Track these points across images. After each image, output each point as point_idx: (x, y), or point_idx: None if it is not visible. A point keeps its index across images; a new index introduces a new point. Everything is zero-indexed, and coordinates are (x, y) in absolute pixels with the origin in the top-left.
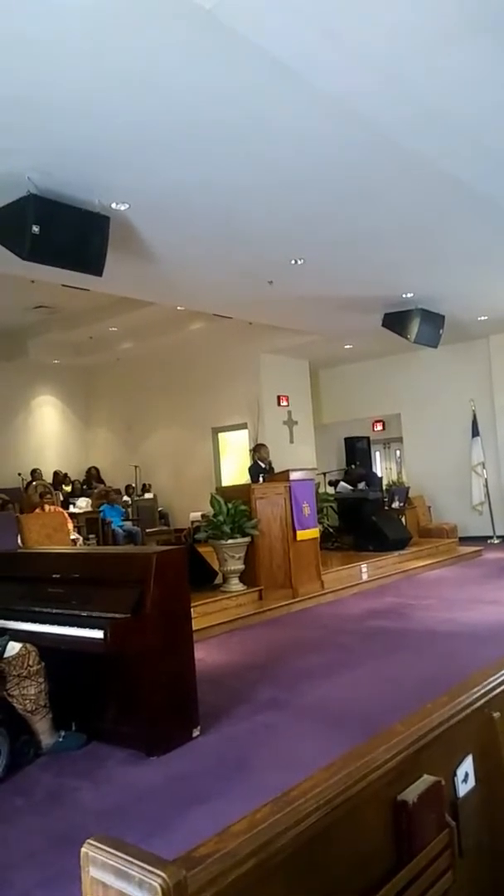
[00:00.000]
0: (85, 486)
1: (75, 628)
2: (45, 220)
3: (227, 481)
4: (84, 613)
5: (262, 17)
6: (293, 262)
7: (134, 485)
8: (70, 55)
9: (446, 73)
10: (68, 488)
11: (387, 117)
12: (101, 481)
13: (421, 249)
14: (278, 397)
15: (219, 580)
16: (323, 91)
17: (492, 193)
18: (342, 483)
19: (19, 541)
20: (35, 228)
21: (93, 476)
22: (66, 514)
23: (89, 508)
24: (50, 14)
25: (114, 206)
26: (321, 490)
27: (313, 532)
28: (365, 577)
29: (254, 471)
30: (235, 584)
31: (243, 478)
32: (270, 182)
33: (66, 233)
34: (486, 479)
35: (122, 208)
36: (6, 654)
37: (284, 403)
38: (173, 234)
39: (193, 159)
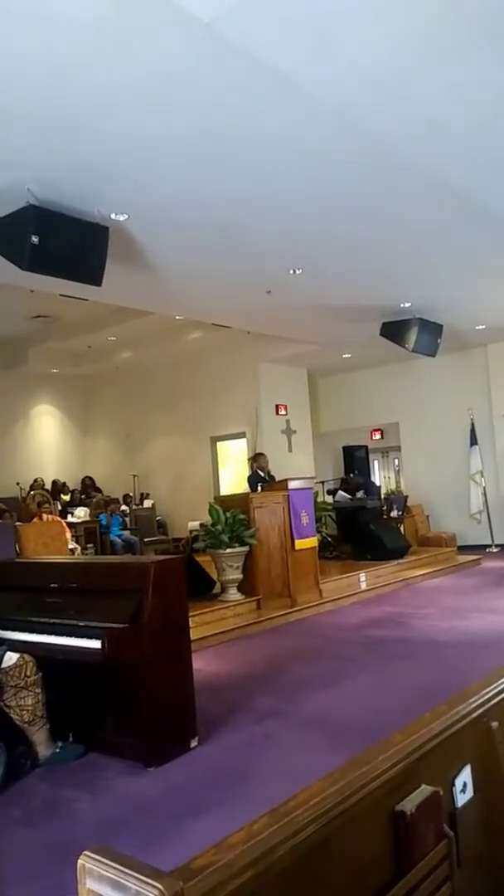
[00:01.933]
0: (83, 496)
1: (73, 638)
2: (44, 231)
3: (225, 490)
4: (81, 623)
5: (262, 30)
6: (291, 271)
7: (132, 494)
8: (69, 68)
9: (445, 85)
10: (67, 497)
11: (386, 129)
12: (98, 490)
13: (419, 259)
14: (277, 406)
15: (217, 590)
16: (322, 103)
17: (490, 203)
18: (340, 492)
19: (17, 550)
20: (34, 239)
21: (88, 485)
22: (64, 524)
23: (87, 518)
24: (49, 28)
25: (113, 216)
26: (319, 499)
27: (312, 541)
28: (363, 586)
29: (253, 480)
30: (233, 594)
31: (242, 487)
32: (269, 192)
33: (66, 243)
34: (484, 488)
35: (122, 219)
36: (3, 665)
37: (283, 412)
38: (172, 244)
39: (192, 170)
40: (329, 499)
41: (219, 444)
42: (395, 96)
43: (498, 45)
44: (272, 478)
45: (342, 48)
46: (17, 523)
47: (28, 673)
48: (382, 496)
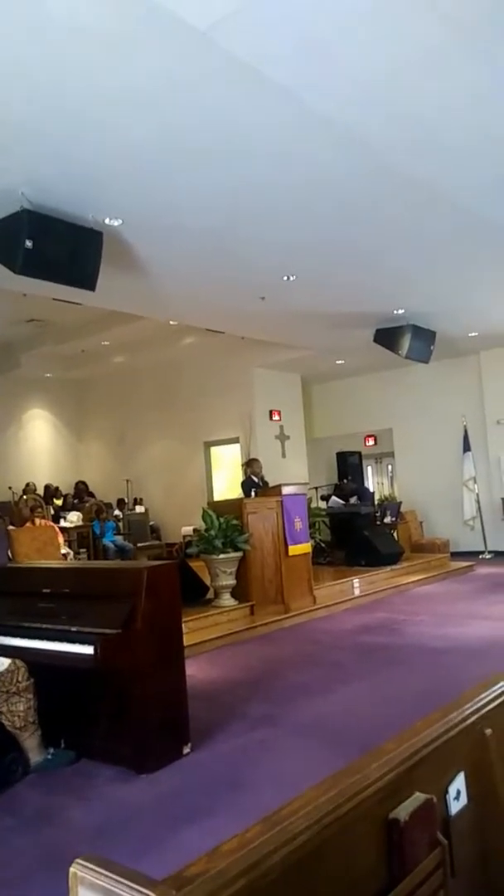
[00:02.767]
0: (76, 501)
1: (65, 644)
2: (38, 235)
3: (219, 496)
4: (74, 629)
5: (259, 40)
6: (285, 278)
7: (126, 499)
8: (64, 74)
9: (441, 96)
10: (59, 502)
11: (381, 138)
12: (91, 495)
13: (413, 267)
14: (270, 412)
15: (210, 595)
16: (318, 113)
17: (485, 213)
18: (334, 498)
19: (9, 555)
20: (28, 243)
21: (82, 490)
22: (57, 529)
23: (80, 523)
24: (44, 35)
25: (107, 221)
26: (313, 505)
27: (305, 547)
28: (357, 592)
29: (247, 485)
30: (227, 600)
31: (235, 492)
32: (263, 200)
33: (60, 248)
34: (477, 495)
35: (116, 224)
36: None
37: (276, 418)
38: (166, 249)
39: (187, 177)
40: (323, 504)
41: (212, 449)
42: (392, 108)
43: (496, 58)
44: (266, 483)
45: (339, 59)
46: (10, 528)
47: (20, 678)
48: (376, 502)
